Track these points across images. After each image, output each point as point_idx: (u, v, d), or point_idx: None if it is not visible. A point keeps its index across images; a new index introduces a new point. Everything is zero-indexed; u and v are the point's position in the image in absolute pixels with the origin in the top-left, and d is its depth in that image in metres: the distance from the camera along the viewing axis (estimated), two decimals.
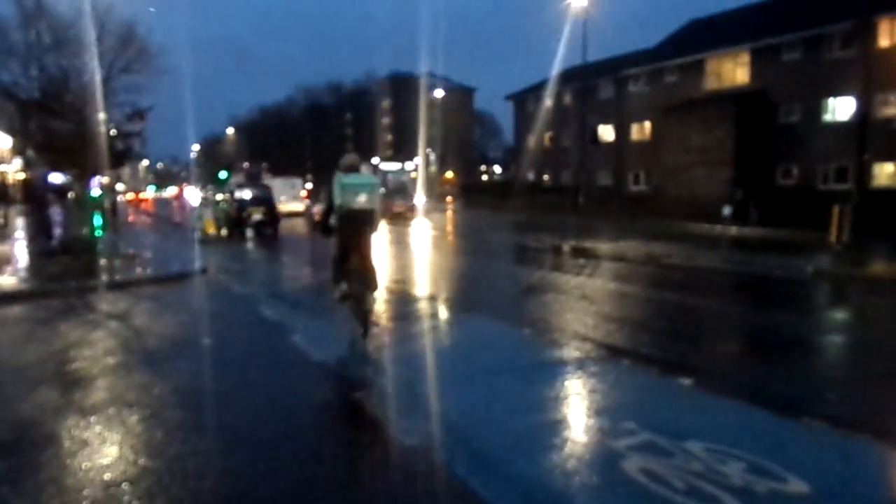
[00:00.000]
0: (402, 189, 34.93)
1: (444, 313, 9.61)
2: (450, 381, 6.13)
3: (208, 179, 79.78)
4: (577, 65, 38.21)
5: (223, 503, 3.84)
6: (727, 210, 25.36)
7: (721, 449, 4.34)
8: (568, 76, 42.67)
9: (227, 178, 31.49)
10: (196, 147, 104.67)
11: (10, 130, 44.57)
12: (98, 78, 18.40)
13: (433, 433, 4.76)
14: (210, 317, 9.42)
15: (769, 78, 31.37)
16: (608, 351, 7.00)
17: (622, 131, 41.27)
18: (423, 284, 12.47)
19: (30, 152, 35.02)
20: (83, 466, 4.27)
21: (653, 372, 6.30)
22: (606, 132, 42.54)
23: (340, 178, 7.36)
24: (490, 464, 4.25)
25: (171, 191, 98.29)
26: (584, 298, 10.27)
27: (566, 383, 5.91)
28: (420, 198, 34.61)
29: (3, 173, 50.27)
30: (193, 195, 56.27)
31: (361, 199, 7.40)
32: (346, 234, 7.54)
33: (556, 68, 43.05)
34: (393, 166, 38.65)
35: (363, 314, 7.49)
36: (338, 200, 7.32)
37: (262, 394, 5.87)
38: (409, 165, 39.65)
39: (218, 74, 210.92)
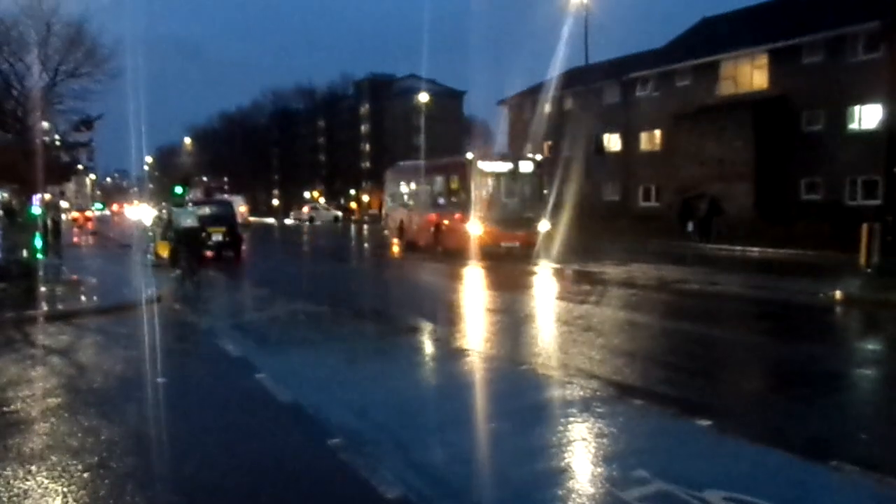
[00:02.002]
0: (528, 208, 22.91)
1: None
2: (439, 425, 6.13)
3: (163, 195, 79.75)
4: (579, 66, 38.67)
5: None
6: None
7: (743, 498, 4.36)
8: (569, 79, 43.04)
9: (183, 194, 31.37)
10: (149, 159, 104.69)
11: None
12: (42, 83, 18.40)
13: (419, 485, 4.75)
14: (164, 352, 9.35)
15: (789, 83, 31.89)
16: (617, 389, 7.02)
17: (630, 140, 41.57)
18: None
19: None
20: None
21: (666, 413, 6.33)
22: (612, 141, 42.62)
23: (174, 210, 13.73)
24: None
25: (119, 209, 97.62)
26: (590, 330, 10.32)
27: (569, 427, 5.92)
28: (544, 223, 22.50)
29: None
30: (144, 213, 56.10)
31: (189, 222, 15.30)
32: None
33: (554, 70, 43.35)
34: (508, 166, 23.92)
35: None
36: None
37: (223, 440, 5.83)
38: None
39: (174, 79, 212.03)
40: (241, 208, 58.01)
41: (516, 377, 7.77)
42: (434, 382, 7.76)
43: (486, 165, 22.37)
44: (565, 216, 25.31)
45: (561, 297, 14.25)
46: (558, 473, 4.96)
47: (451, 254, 22.37)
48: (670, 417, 6.21)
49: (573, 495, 4.57)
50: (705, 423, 5.93)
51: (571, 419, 6.11)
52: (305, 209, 72.50)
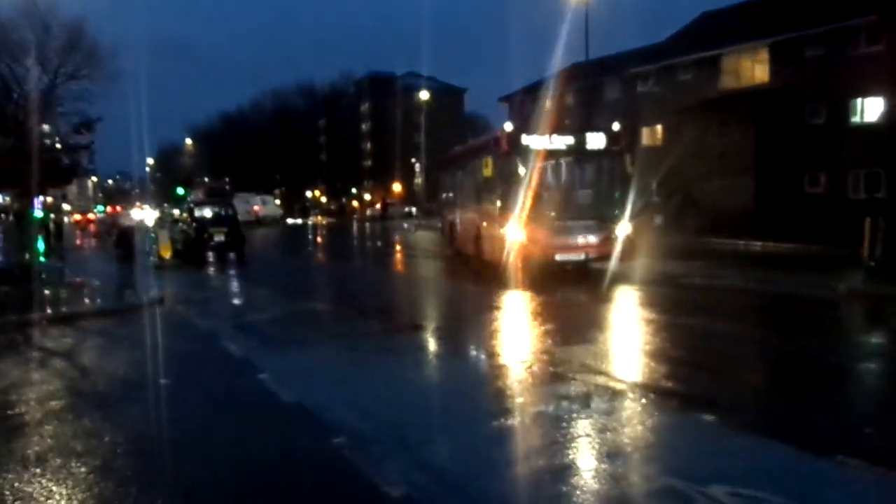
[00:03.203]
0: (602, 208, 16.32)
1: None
2: (441, 425, 6.13)
3: (164, 196, 79.78)
4: (580, 62, 38.67)
5: None
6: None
7: (749, 493, 4.35)
8: (569, 75, 43.05)
9: (185, 195, 31.49)
10: (150, 161, 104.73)
11: None
12: (42, 85, 18.42)
13: (422, 483, 4.75)
14: (167, 354, 9.37)
15: (791, 76, 31.85)
16: (620, 385, 7.01)
17: (631, 136, 41.56)
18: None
19: None
20: None
21: (671, 408, 6.33)
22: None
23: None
24: None
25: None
26: (593, 326, 10.32)
27: (572, 423, 5.91)
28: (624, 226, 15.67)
29: None
30: (146, 215, 56.26)
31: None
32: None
33: (555, 66, 43.37)
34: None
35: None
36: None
37: (227, 441, 5.83)
38: None
39: (173, 79, 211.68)
40: (256, 207, 60.90)
41: (517, 376, 7.77)
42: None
43: (533, 141, 15.39)
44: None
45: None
46: (563, 470, 4.95)
47: (490, 268, 15.91)
48: (674, 412, 6.20)
49: (578, 492, 4.56)
50: (710, 417, 5.93)
51: (574, 414, 6.11)
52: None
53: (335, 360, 8.97)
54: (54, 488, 4.80)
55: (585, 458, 5.18)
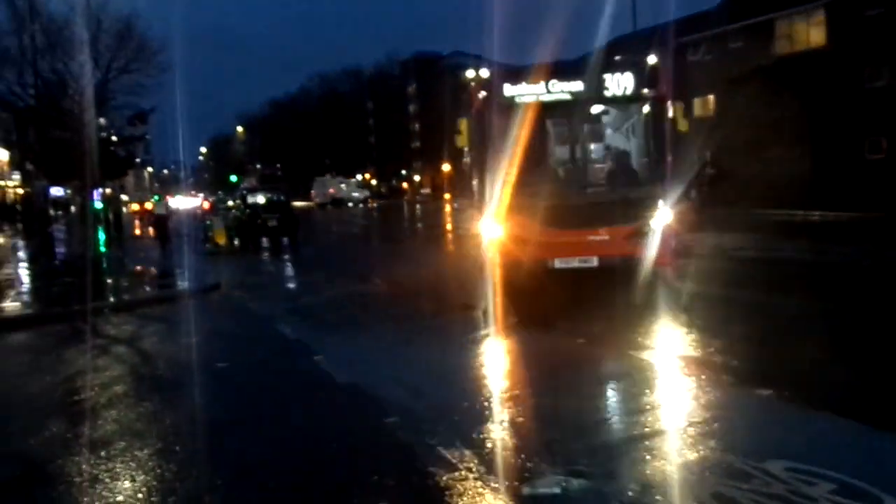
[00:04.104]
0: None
1: None
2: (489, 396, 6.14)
3: (219, 184, 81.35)
4: (626, 34, 37.92)
5: None
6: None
7: (806, 468, 4.25)
8: (615, 47, 42.25)
9: (237, 182, 31.92)
10: (203, 150, 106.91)
11: (6, 142, 46.24)
12: (95, 80, 18.93)
13: (474, 459, 4.77)
14: (225, 338, 9.61)
15: (849, 38, 30.59)
16: (678, 361, 6.92)
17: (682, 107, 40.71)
18: None
19: (28, 165, 36.26)
20: None
21: (728, 383, 6.22)
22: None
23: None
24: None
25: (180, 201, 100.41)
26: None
27: (629, 398, 5.86)
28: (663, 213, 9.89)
29: (2, 188, 52.13)
30: (188, 203, 57.58)
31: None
32: None
33: (601, 39, 42.65)
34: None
35: None
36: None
37: (284, 422, 5.96)
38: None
39: (224, 69, 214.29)
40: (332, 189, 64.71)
41: (569, 347, 7.73)
42: None
43: (520, 91, 10.11)
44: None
45: None
46: (621, 445, 4.92)
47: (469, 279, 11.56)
48: (731, 387, 6.10)
49: (637, 465, 4.53)
50: (766, 392, 5.81)
51: (633, 389, 6.06)
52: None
53: (386, 340, 9.04)
54: (119, 469, 4.98)
55: (641, 434, 5.14)
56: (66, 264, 17.90)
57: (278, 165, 64.41)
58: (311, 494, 4.51)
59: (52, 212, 25.60)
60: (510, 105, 9.95)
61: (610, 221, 9.72)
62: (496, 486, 4.35)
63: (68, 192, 28.69)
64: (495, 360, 7.96)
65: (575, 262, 9.67)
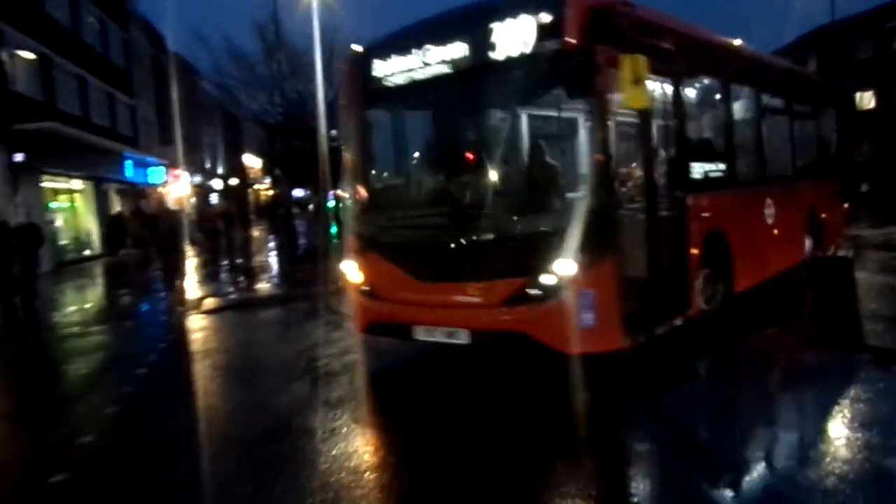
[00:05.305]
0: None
1: None
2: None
3: None
4: (824, 24, 34.34)
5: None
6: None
7: None
8: (813, 38, 38.31)
9: None
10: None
11: (260, 153, 52.35)
12: (328, 98, 20.57)
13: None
14: None
15: None
16: (875, 354, 6.22)
17: (887, 97, 35.97)
18: None
19: (276, 171, 40.38)
20: (332, 454, 4.83)
21: None
22: (865, 99, 37.24)
23: None
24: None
25: None
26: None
27: (826, 393, 5.38)
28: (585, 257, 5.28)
29: (257, 191, 58.81)
30: None
31: None
32: None
33: (798, 30, 38.88)
34: None
35: None
36: None
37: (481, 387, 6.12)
38: None
39: None
40: None
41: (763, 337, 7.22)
42: None
43: (389, 67, 6.33)
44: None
45: None
46: (814, 439, 4.56)
47: None
48: None
49: (829, 460, 4.17)
50: None
51: (830, 385, 5.55)
52: None
53: None
54: (352, 426, 5.42)
55: (835, 429, 4.72)
56: (307, 253, 19.75)
57: None
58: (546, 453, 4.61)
59: (295, 210, 28.16)
60: (377, 91, 6.47)
61: (489, 272, 5.58)
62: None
63: (308, 193, 31.51)
64: None
65: (440, 335, 5.92)
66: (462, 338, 5.76)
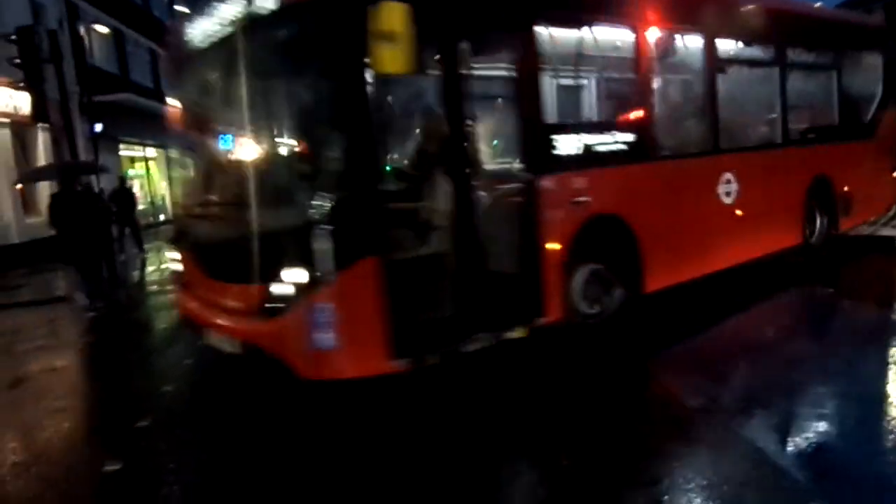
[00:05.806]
0: None
1: None
2: None
3: None
4: None
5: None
6: None
7: None
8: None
9: None
10: None
11: None
12: None
13: None
14: None
15: None
16: None
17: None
18: None
19: None
20: None
21: None
22: None
23: None
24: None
25: None
26: None
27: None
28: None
29: None
30: None
31: None
32: None
33: None
34: None
35: None
36: None
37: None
38: None
39: None
40: None
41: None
42: None
43: (183, 38, 5.29)
44: None
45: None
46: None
47: None
48: None
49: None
50: None
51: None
52: None
53: None
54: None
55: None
56: None
57: None
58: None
59: None
60: (180, 64, 5.56)
61: (239, 274, 4.65)
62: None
63: None
64: None
65: (224, 343, 4.96)
66: (236, 346, 4.78)
